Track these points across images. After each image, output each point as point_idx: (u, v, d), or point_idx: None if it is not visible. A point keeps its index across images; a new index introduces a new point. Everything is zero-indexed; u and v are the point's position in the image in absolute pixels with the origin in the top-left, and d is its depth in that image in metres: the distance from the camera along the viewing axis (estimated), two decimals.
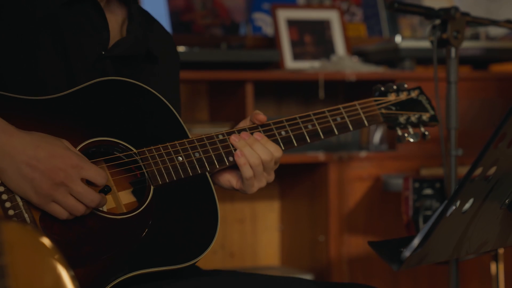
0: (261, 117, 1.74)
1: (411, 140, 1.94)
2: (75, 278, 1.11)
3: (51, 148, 1.49)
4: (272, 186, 3.60)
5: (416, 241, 1.50)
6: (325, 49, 3.64)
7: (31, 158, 1.47)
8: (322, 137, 1.80)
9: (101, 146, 1.60)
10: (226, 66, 3.35)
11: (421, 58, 3.54)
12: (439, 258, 1.65)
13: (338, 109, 1.84)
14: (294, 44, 3.59)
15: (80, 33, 1.67)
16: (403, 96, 1.94)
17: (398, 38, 3.49)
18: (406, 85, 1.95)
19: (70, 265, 1.12)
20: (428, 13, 2.46)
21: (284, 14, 3.60)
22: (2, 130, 1.47)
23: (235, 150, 1.69)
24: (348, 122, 1.83)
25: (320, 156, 3.28)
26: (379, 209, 3.33)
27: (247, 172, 1.68)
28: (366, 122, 1.86)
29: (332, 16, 3.69)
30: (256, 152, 1.67)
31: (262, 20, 3.77)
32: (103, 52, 1.70)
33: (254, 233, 3.63)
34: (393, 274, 3.32)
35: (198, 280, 1.60)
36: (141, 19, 1.79)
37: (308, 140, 1.79)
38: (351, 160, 3.32)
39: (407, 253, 1.49)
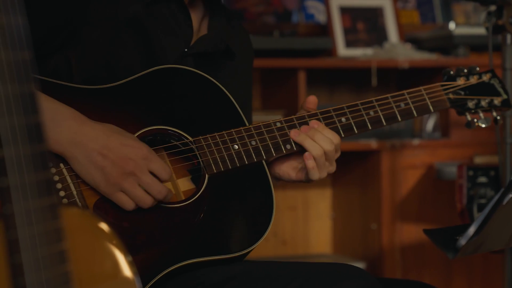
0: (312, 99, 1.73)
1: (482, 125, 1.87)
2: (133, 264, 1.12)
3: (122, 138, 1.50)
4: None
5: (472, 229, 1.49)
6: (378, 36, 3.62)
7: (103, 147, 1.48)
8: (384, 123, 1.76)
9: (158, 134, 1.60)
10: (279, 54, 3.35)
11: (475, 45, 3.50)
12: (495, 246, 1.64)
13: (402, 94, 1.79)
14: (346, 31, 3.58)
15: (164, 31, 1.68)
16: (473, 80, 1.88)
17: (452, 25, 3.45)
18: (478, 69, 1.89)
19: None
20: None
21: (336, 1, 3.58)
22: (73, 118, 1.49)
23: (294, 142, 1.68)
24: (413, 108, 1.79)
25: (373, 144, 3.27)
26: (432, 197, 3.31)
27: (310, 163, 1.67)
28: (431, 108, 1.81)
29: (385, 3, 3.66)
30: (317, 143, 1.66)
31: (314, 7, 3.76)
32: (186, 50, 1.70)
33: (306, 221, 3.63)
34: (446, 262, 3.30)
35: (245, 266, 1.60)
36: (221, 15, 1.80)
37: (370, 127, 1.75)
38: (404, 148, 3.30)
39: (463, 241, 1.49)
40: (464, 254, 1.53)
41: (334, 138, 1.68)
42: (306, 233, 3.63)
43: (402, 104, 1.79)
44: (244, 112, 1.79)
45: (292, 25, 3.65)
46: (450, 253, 1.52)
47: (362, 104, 1.75)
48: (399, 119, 1.77)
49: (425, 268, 3.30)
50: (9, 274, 0.96)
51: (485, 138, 3.32)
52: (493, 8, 2.38)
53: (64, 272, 1.00)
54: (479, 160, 3.20)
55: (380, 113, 1.76)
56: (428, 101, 1.81)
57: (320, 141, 1.66)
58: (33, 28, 1.58)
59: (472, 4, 3.93)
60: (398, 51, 3.44)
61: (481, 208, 2.67)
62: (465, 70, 1.88)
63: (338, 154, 1.72)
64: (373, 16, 3.65)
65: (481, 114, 1.89)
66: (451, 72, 1.88)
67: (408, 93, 1.80)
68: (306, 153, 1.66)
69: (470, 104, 1.87)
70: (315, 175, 1.68)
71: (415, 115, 1.79)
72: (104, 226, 1.11)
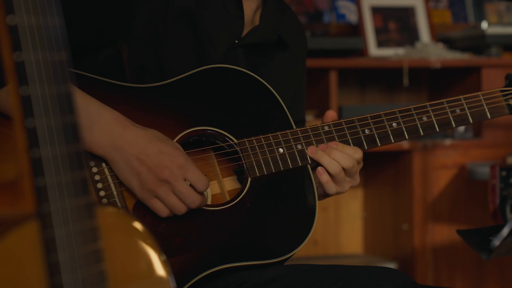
0: (331, 113, 1.70)
1: None
2: (167, 263, 1.13)
3: (161, 145, 1.51)
4: None
5: (505, 230, 1.49)
6: (410, 36, 3.61)
7: (141, 152, 1.49)
8: (438, 129, 1.71)
9: (203, 135, 1.60)
10: (310, 54, 3.33)
11: (508, 45, 3.48)
12: None
13: (459, 99, 1.73)
14: (378, 31, 3.57)
15: (214, 22, 1.68)
16: None
17: (484, 24, 3.43)
18: None
19: None
20: None
21: (368, 1, 3.58)
22: (117, 122, 1.50)
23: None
24: (469, 114, 1.73)
25: (404, 144, 3.26)
26: (464, 198, 3.29)
27: (323, 178, 1.63)
28: (488, 115, 1.74)
29: (417, 3, 3.65)
30: (335, 160, 1.62)
31: (346, 7, 3.75)
32: (236, 41, 1.70)
33: (337, 221, 3.63)
34: (479, 263, 3.28)
35: (284, 269, 1.60)
36: (274, 6, 1.79)
37: (422, 133, 1.70)
38: (436, 148, 3.29)
39: (496, 242, 1.48)
40: (498, 255, 1.52)
41: (355, 153, 1.64)
42: (338, 233, 3.63)
43: (458, 110, 1.73)
44: (295, 107, 1.77)
45: (323, 25, 3.64)
46: (484, 254, 1.51)
47: (415, 108, 1.71)
48: (454, 125, 1.72)
49: (457, 269, 3.29)
50: (46, 273, 0.97)
51: None
52: None
53: (99, 271, 1.00)
54: None
55: (434, 119, 1.71)
56: (486, 107, 1.75)
57: (338, 159, 1.62)
58: (87, 22, 1.60)
59: (505, 3, 3.90)
60: (430, 50, 3.42)
61: None
62: None
63: (361, 166, 1.67)
64: (405, 15, 3.63)
65: None
66: None
67: (465, 98, 1.74)
68: (319, 168, 1.63)
69: None
70: (332, 188, 1.64)
71: (471, 121, 1.74)
72: (138, 225, 1.12)
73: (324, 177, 1.63)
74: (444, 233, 3.26)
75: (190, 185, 1.52)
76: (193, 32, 1.66)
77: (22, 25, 0.95)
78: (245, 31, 1.72)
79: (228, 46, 1.69)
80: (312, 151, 1.64)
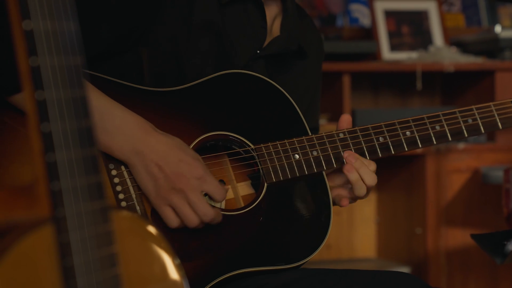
0: (346, 117, 1.71)
1: None
2: (181, 267, 1.13)
3: (182, 154, 1.51)
4: None
5: None
6: (423, 40, 3.60)
7: (161, 159, 1.49)
8: (450, 139, 1.72)
9: (219, 140, 1.61)
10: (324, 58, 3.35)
11: None
12: None
13: (471, 109, 1.74)
14: (391, 35, 3.56)
15: (238, 32, 1.68)
16: None
17: (498, 28, 3.43)
18: None
19: None
20: None
21: (381, 5, 3.57)
22: (140, 127, 1.51)
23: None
24: (480, 124, 1.74)
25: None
26: (477, 202, 3.29)
27: (345, 202, 1.68)
28: (500, 125, 1.75)
29: (430, 6, 3.64)
30: (365, 183, 1.64)
31: (359, 11, 3.75)
32: (258, 51, 1.70)
33: (350, 225, 3.62)
34: (492, 267, 3.27)
35: (298, 274, 1.60)
36: (294, 14, 1.79)
37: (434, 142, 1.71)
38: (449, 152, 3.28)
39: (511, 246, 1.48)
40: None
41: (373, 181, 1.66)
42: (351, 237, 3.63)
43: (470, 120, 1.73)
44: (310, 114, 1.78)
45: (336, 29, 3.64)
46: (498, 258, 1.51)
47: (428, 118, 1.71)
48: (466, 135, 1.73)
49: (471, 274, 3.28)
50: (61, 277, 0.97)
51: None
52: None
53: (114, 275, 1.01)
54: None
55: (446, 128, 1.72)
56: (497, 118, 1.76)
57: (363, 175, 1.64)
58: (112, 27, 1.60)
59: None
60: (444, 54, 3.42)
61: None
62: None
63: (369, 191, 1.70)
64: (418, 19, 3.63)
65: None
66: None
67: (477, 108, 1.75)
68: (345, 200, 1.66)
69: None
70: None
71: (483, 131, 1.74)
72: (152, 229, 1.12)
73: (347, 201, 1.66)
74: (457, 237, 3.26)
75: (208, 196, 1.52)
76: (216, 41, 1.66)
77: (38, 30, 0.96)
78: (266, 41, 1.72)
79: (250, 56, 1.69)
80: (350, 170, 1.64)
